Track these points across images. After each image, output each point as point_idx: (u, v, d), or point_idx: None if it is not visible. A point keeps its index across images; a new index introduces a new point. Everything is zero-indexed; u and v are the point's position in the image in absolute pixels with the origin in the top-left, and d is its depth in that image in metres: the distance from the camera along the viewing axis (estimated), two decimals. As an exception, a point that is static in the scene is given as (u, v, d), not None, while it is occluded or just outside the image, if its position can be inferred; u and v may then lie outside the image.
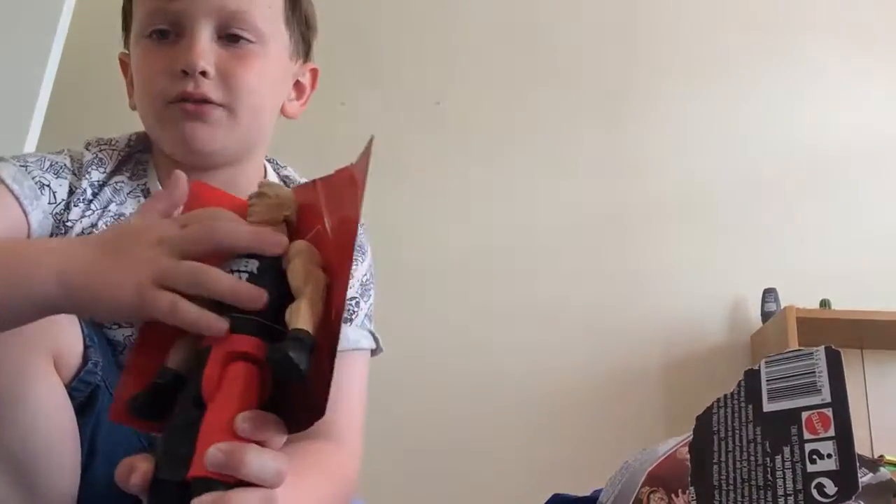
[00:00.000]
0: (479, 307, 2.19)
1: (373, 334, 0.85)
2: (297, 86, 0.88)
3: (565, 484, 1.08)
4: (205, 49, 0.75)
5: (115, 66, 0.89)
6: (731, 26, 2.47)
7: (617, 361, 2.14)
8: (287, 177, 0.92)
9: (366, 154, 0.51)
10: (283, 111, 0.87)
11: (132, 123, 0.87)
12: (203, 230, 0.51)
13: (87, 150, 0.81)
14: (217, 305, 0.50)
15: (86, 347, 0.69)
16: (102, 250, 0.53)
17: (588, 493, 0.86)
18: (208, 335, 0.48)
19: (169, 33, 0.77)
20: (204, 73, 0.75)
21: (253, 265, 0.51)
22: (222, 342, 0.48)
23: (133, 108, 0.83)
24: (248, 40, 0.78)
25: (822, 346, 0.46)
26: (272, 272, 0.51)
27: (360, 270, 0.87)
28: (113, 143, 0.84)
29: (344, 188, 0.53)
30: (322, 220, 0.54)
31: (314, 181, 0.56)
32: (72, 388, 0.66)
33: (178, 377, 0.50)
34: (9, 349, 0.59)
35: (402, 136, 2.33)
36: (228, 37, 0.78)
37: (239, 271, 0.50)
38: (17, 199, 0.72)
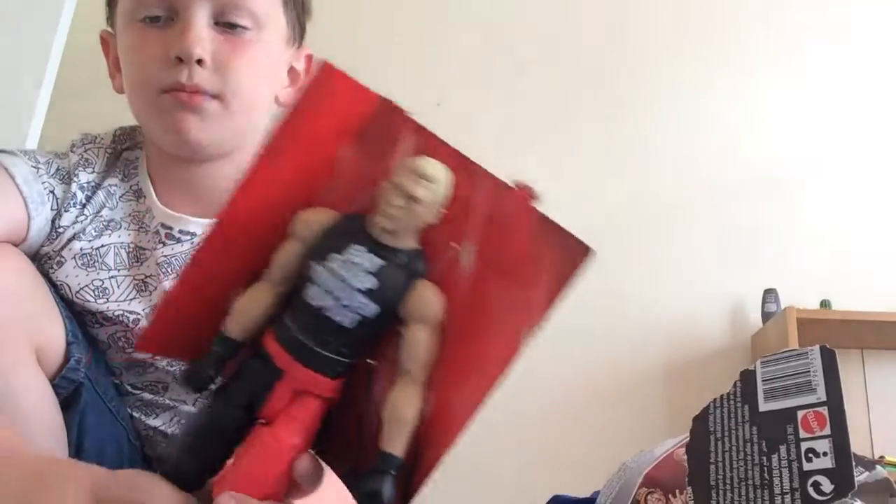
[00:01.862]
0: (480, 308, 2.20)
1: None
2: (291, 72, 0.84)
3: (566, 485, 1.08)
4: (201, 35, 0.71)
5: (117, 66, 0.88)
6: (732, 25, 2.47)
7: (617, 362, 2.15)
8: None
9: (576, 252, 0.39)
10: (276, 100, 0.82)
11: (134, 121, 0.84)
12: None
13: (72, 152, 0.79)
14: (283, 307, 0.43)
15: (68, 344, 0.69)
16: None
17: (588, 495, 0.86)
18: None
19: (162, 17, 0.73)
20: (200, 62, 0.71)
21: (370, 309, 0.41)
22: (300, 375, 0.42)
23: (119, 90, 0.79)
24: (244, 27, 0.74)
25: (817, 346, 0.46)
26: (385, 319, 0.42)
27: None
28: (98, 140, 0.81)
29: (515, 232, 0.39)
30: (460, 237, 0.42)
31: (474, 168, 0.42)
32: (55, 385, 0.66)
33: (237, 348, 0.44)
34: None
35: (403, 137, 2.33)
36: (225, 23, 0.74)
37: (361, 314, 0.41)
38: (24, 201, 0.71)
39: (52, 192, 0.74)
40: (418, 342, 0.41)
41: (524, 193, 0.41)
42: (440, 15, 2.52)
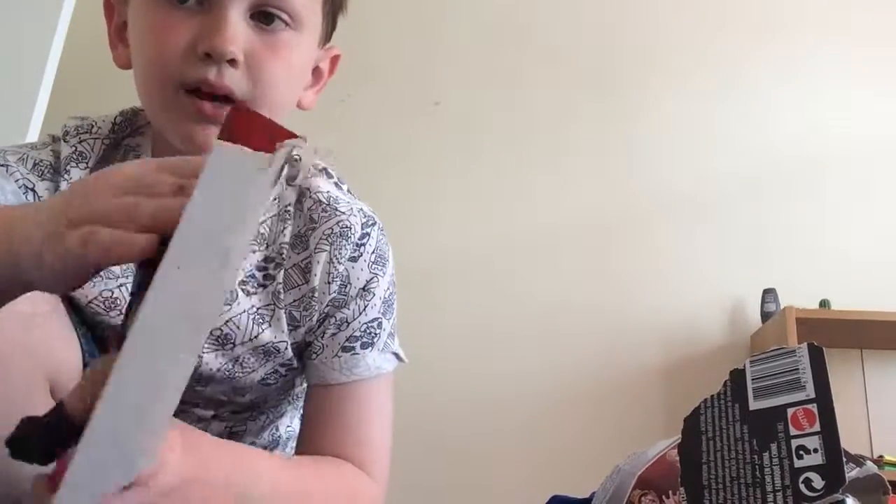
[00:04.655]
0: (478, 308, 2.20)
1: (395, 354, 0.76)
2: (315, 71, 0.77)
3: (565, 485, 1.08)
4: (236, 32, 0.63)
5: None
6: (730, 26, 2.47)
7: (617, 362, 2.15)
8: None
9: None
10: (298, 103, 0.75)
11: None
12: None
13: (65, 141, 0.71)
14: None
15: (85, 366, 0.64)
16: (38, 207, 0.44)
17: (587, 495, 0.86)
18: (130, 257, 0.39)
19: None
20: (232, 62, 0.63)
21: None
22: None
23: (122, 66, 0.71)
24: (284, 23, 0.66)
25: (805, 343, 0.47)
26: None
27: (382, 286, 0.73)
28: (94, 129, 0.73)
29: None
30: None
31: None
32: None
33: None
34: (2, 374, 0.54)
35: (402, 136, 2.33)
36: (262, 16, 0.65)
37: None
38: None
39: (31, 189, 0.66)
40: None
41: None
42: (440, 15, 2.52)
